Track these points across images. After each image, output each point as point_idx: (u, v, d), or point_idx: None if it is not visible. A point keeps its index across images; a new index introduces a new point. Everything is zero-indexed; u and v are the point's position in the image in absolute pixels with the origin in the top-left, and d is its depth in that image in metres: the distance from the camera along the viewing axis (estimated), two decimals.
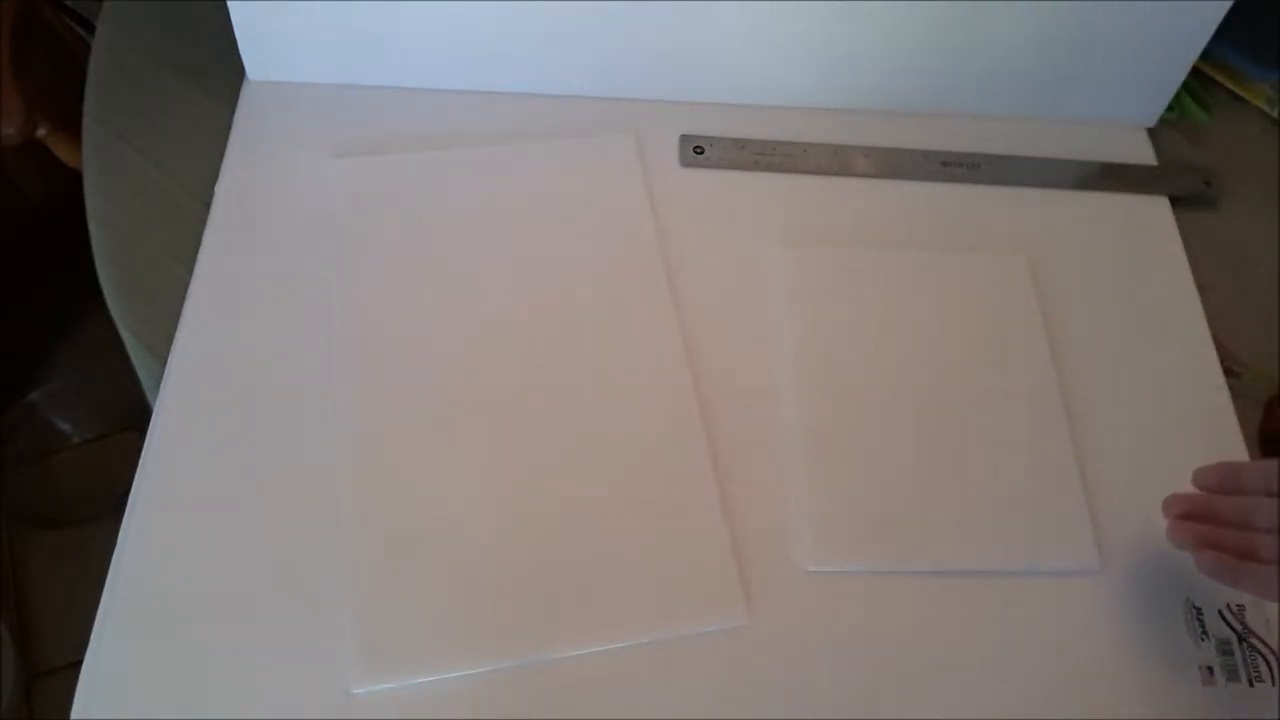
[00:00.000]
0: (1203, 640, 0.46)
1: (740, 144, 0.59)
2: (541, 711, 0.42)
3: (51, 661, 0.99)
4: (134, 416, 0.50)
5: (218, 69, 0.58)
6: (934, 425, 0.50)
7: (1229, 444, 0.51)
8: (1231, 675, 0.45)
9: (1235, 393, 0.53)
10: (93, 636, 0.42)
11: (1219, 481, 0.43)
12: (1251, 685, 0.45)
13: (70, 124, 0.79)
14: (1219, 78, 0.66)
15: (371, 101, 0.58)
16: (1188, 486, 0.42)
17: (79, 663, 0.42)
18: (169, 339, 0.49)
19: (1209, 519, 0.42)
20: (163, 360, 0.49)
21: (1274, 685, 0.45)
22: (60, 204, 0.67)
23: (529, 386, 0.49)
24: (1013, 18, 0.56)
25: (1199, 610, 0.47)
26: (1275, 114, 0.65)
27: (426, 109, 0.58)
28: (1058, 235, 0.57)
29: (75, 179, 0.56)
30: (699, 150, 0.58)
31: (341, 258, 0.52)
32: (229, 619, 0.43)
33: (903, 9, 0.55)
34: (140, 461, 0.46)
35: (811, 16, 0.56)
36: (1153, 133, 0.63)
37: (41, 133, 0.81)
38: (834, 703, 0.43)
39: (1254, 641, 0.46)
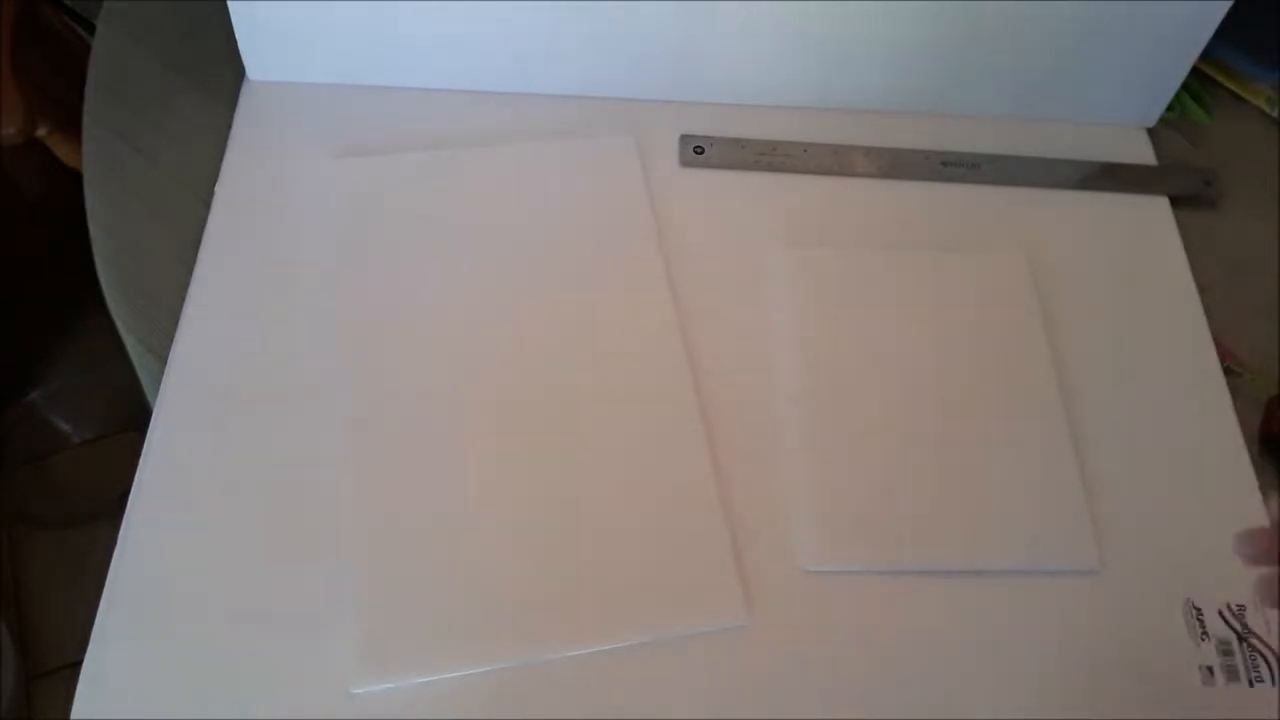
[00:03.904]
0: (1203, 640, 0.46)
1: (740, 144, 0.59)
2: (541, 711, 0.42)
3: (51, 661, 0.99)
4: (134, 416, 0.50)
5: (218, 69, 0.58)
6: (934, 425, 0.50)
7: (1229, 444, 0.51)
8: (1231, 675, 0.45)
9: (1235, 393, 0.53)
10: (93, 636, 0.42)
11: None
12: (1251, 685, 0.45)
13: (70, 124, 0.79)
14: (1219, 78, 0.66)
15: (371, 101, 0.58)
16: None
17: (79, 663, 0.42)
18: (169, 339, 0.49)
19: None
20: (163, 360, 0.49)
21: (1274, 685, 0.45)
22: (60, 204, 0.67)
23: (529, 386, 0.49)
24: (1013, 18, 0.56)
25: (1199, 610, 0.47)
26: (1275, 114, 0.65)
27: (426, 109, 0.58)
28: (1058, 235, 0.57)
29: (75, 179, 0.56)
30: (699, 150, 0.58)
31: (341, 257, 0.52)
32: (229, 619, 0.43)
33: (903, 9, 0.55)
34: (140, 461, 0.46)
35: (811, 16, 0.56)
36: (1153, 133, 0.63)
37: (41, 133, 0.81)
38: (834, 703, 0.43)
39: (1254, 641, 0.46)
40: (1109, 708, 0.44)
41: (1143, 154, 0.62)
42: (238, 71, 0.58)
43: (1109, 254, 0.57)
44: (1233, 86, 0.66)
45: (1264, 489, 0.50)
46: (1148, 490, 0.50)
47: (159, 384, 0.48)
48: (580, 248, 0.54)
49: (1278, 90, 0.65)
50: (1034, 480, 0.49)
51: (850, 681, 0.44)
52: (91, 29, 0.63)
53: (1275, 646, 0.46)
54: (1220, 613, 0.47)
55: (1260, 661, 0.45)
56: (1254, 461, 0.51)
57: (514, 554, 0.45)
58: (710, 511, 0.47)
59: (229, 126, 0.57)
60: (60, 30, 0.87)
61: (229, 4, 0.55)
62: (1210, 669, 0.45)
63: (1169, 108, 0.62)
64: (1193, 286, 0.56)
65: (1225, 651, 0.46)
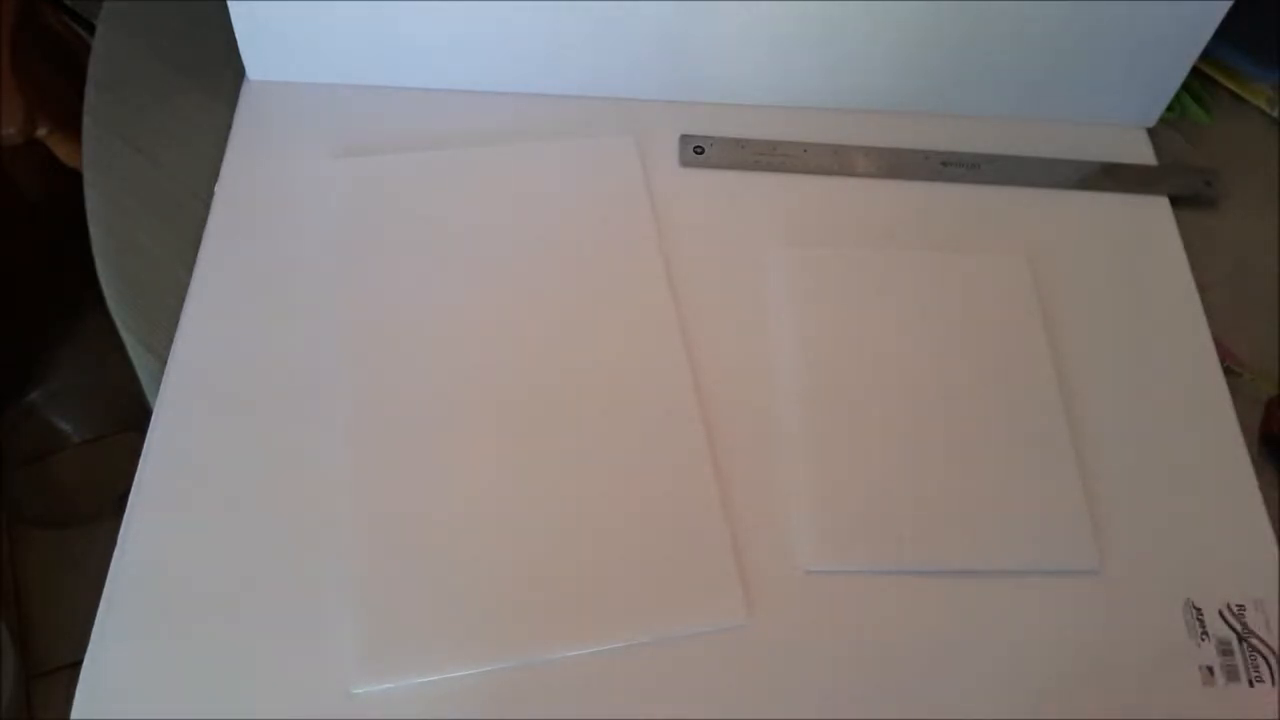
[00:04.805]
0: (1203, 640, 0.46)
1: (740, 144, 0.59)
2: (541, 711, 0.42)
3: (51, 661, 0.99)
4: (134, 416, 0.50)
5: (218, 69, 0.58)
6: (934, 425, 0.50)
7: (1229, 444, 0.51)
8: (1231, 675, 0.45)
9: (1235, 393, 0.53)
10: (93, 636, 0.42)
11: None
12: (1251, 685, 0.45)
13: (70, 124, 0.79)
14: (1219, 78, 0.66)
15: (371, 101, 0.58)
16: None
17: (79, 663, 0.42)
18: (169, 339, 0.49)
19: None
20: (163, 360, 0.49)
21: (1274, 685, 0.45)
22: (60, 204, 0.67)
23: (529, 386, 0.49)
24: (1013, 18, 0.56)
25: (1199, 610, 0.47)
26: (1275, 114, 0.65)
27: (426, 109, 0.58)
28: (1058, 235, 0.57)
29: (75, 179, 0.56)
30: (699, 150, 0.58)
31: (341, 257, 0.52)
32: (229, 619, 0.43)
33: (903, 9, 0.55)
34: (140, 461, 0.46)
35: (811, 16, 0.56)
36: (1153, 133, 0.63)
37: (41, 133, 0.81)
38: (834, 703, 0.43)
39: (1254, 641, 0.46)
40: (1109, 708, 0.44)
41: (1143, 154, 0.62)
42: (238, 71, 0.58)
43: (1109, 254, 0.57)
44: (1233, 86, 0.66)
45: (1264, 489, 0.50)
46: (1148, 490, 0.50)
47: (159, 384, 0.48)
48: (580, 248, 0.54)
49: (1278, 90, 0.65)
50: (1034, 480, 0.49)
51: (850, 681, 0.44)
52: (91, 29, 0.63)
53: (1275, 646, 0.46)
54: (1220, 613, 0.47)
55: (1260, 661, 0.45)
56: (1254, 461, 0.51)
57: (514, 554, 0.45)
58: (710, 511, 0.47)
59: (229, 126, 0.57)
60: (60, 30, 0.87)
61: (229, 4, 0.55)
62: (1210, 669, 0.45)
63: (1169, 108, 0.62)
64: (1193, 286, 0.56)
65: (1225, 651, 0.46)
